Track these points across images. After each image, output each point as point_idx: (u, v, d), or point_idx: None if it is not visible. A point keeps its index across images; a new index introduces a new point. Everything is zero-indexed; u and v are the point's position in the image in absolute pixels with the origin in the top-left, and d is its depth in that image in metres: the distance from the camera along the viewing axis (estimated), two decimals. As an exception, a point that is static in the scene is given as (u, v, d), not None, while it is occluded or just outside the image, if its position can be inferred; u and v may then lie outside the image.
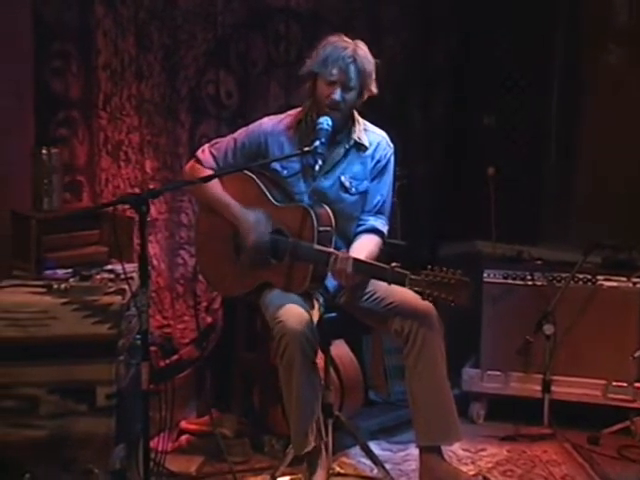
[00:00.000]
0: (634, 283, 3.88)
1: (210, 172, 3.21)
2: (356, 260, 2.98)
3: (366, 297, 3.18)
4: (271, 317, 3.02)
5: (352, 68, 3.09)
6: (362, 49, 3.13)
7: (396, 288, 3.04)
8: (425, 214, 4.96)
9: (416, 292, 2.88)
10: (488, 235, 4.18)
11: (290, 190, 3.21)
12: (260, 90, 4.17)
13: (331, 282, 3.21)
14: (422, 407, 3.07)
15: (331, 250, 3.04)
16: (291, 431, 3.08)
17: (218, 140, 3.32)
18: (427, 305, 3.02)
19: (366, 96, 3.18)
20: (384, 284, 3.03)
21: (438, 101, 5.03)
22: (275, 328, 2.97)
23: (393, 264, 2.91)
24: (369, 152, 3.25)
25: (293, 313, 2.97)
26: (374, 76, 3.14)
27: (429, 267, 2.84)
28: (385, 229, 3.29)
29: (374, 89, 3.16)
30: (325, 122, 3.08)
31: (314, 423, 3.08)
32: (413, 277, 2.86)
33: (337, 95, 3.10)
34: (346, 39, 3.14)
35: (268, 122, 3.27)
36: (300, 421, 3.04)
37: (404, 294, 3.07)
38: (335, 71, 3.08)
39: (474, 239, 4.51)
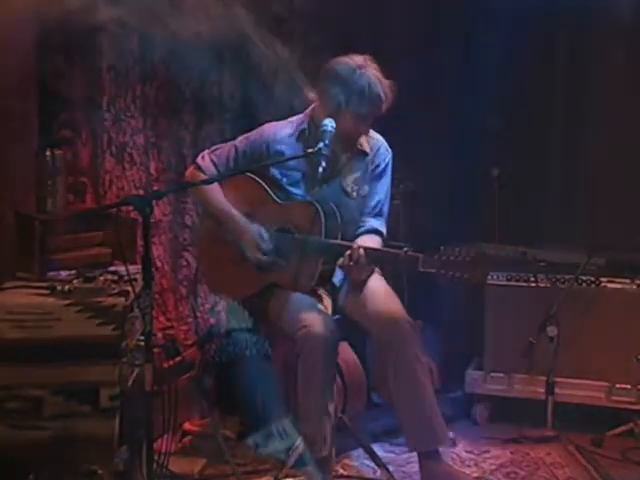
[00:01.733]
0: (638, 285, 3.87)
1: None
2: (368, 249, 2.99)
3: (355, 303, 3.18)
4: (291, 322, 3.02)
5: (382, 104, 3.12)
6: (383, 77, 3.13)
7: (373, 297, 3.08)
8: (429, 216, 4.95)
9: (431, 273, 2.87)
10: (492, 237, 4.18)
11: (291, 197, 3.22)
12: (264, 92, 4.17)
13: (338, 277, 3.22)
14: (405, 415, 3.11)
15: (340, 242, 3.05)
16: (309, 433, 3.08)
17: (218, 147, 3.31)
18: (399, 315, 3.04)
19: None
20: (368, 291, 3.04)
21: (442, 103, 5.03)
22: (298, 333, 2.97)
23: (405, 248, 2.93)
24: (369, 157, 3.28)
25: (316, 317, 2.99)
26: None
27: (442, 248, 2.86)
28: (384, 230, 3.32)
29: (384, 111, 3.18)
30: (329, 124, 3.08)
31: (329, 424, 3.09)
32: (426, 258, 2.87)
33: (364, 130, 3.16)
34: (366, 61, 3.13)
35: (269, 129, 3.26)
36: (321, 422, 3.05)
37: (378, 305, 3.09)
38: (367, 108, 3.11)
39: (478, 241, 4.50)
